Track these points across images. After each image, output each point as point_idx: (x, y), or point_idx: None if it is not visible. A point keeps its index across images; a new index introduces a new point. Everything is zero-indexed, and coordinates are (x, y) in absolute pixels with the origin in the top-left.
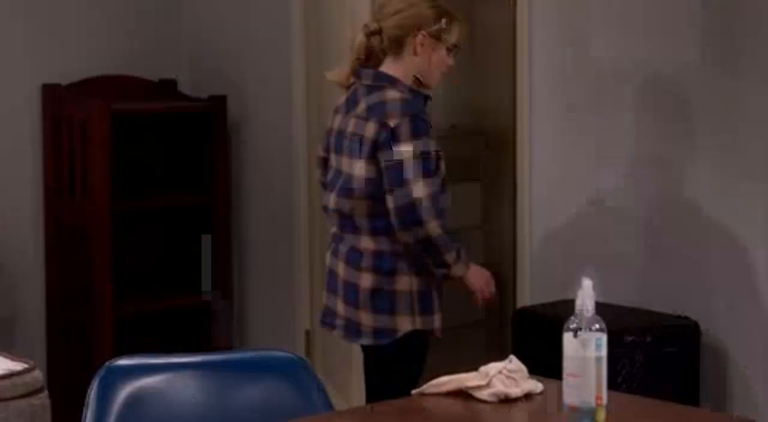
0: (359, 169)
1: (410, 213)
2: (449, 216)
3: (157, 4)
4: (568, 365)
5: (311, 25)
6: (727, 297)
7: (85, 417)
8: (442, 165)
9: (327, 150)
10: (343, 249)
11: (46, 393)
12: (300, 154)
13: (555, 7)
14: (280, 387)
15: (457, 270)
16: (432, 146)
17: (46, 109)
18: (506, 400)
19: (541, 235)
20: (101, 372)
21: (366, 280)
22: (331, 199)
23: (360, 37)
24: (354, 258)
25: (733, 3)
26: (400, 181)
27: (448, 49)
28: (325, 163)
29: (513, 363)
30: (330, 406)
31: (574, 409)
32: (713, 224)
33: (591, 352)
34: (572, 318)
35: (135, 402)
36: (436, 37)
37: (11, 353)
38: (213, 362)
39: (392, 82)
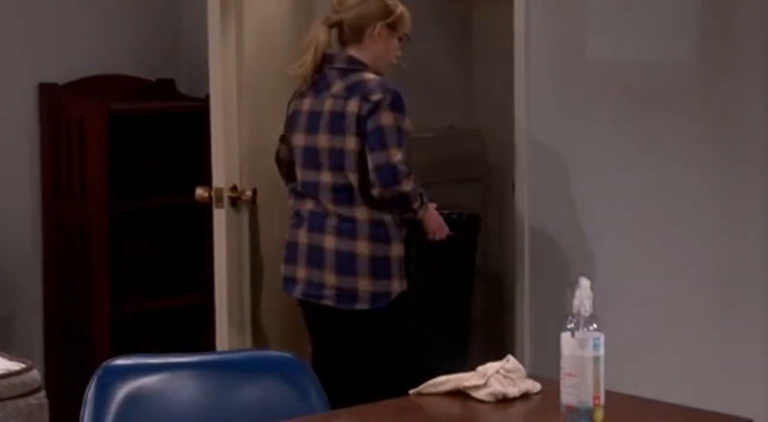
0: (350, 143)
1: (388, 172)
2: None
3: (154, 4)
4: (566, 364)
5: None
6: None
7: (83, 416)
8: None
9: (290, 131)
10: (330, 222)
11: (43, 392)
12: None
13: (552, 6)
14: (278, 387)
15: (421, 213)
16: (407, 126)
17: (43, 109)
18: (504, 400)
19: (539, 235)
20: (99, 371)
21: (363, 248)
22: (322, 176)
23: (322, 29)
24: (347, 229)
25: (732, 2)
26: (380, 145)
27: (399, 39)
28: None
29: (510, 362)
30: (328, 406)
31: (571, 409)
32: (711, 223)
33: (589, 352)
34: (570, 317)
35: (133, 401)
36: (392, 27)
37: (9, 353)
38: (211, 362)
39: (365, 66)
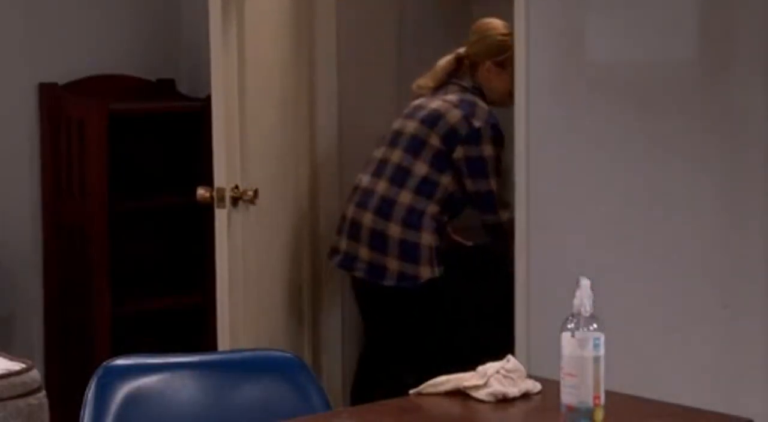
0: (434, 140)
1: (487, 200)
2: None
3: (154, 4)
4: (566, 364)
5: (303, 24)
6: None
7: (83, 416)
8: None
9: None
10: (372, 201)
11: (43, 392)
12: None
13: (553, 6)
14: (278, 387)
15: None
16: (503, 156)
17: (43, 109)
18: (504, 400)
19: (539, 235)
20: (99, 371)
21: (395, 231)
22: (395, 153)
23: (450, 58)
24: (385, 209)
25: (732, 2)
26: (481, 173)
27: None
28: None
29: (511, 362)
30: (328, 406)
31: (571, 409)
32: (711, 223)
33: (589, 352)
34: (570, 317)
35: (133, 401)
36: (501, 65)
37: (9, 353)
38: (211, 362)
39: (479, 95)
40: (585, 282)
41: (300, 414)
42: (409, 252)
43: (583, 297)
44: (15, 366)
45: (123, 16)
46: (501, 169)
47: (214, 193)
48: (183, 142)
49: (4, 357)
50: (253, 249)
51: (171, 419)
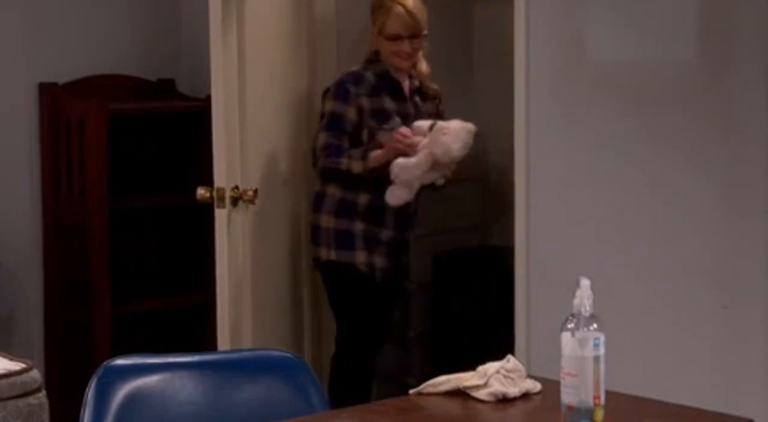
0: None
1: (314, 153)
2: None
3: (154, 4)
4: (566, 364)
5: (303, 23)
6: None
7: (83, 416)
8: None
9: None
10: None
11: (44, 392)
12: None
13: (554, 6)
14: (278, 386)
15: (355, 168)
16: (342, 110)
17: (43, 108)
18: (504, 400)
19: (539, 235)
20: (99, 371)
21: (308, 217)
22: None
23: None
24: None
25: (732, 2)
26: (320, 128)
27: (393, 39)
28: None
29: (511, 362)
30: (328, 406)
31: (571, 409)
32: (712, 223)
33: (589, 352)
34: (570, 317)
35: (133, 401)
36: (379, 32)
37: (9, 352)
38: (211, 362)
39: (376, 61)
40: (585, 282)
41: (300, 414)
42: (313, 235)
43: (583, 297)
44: (15, 366)
45: (123, 16)
46: (341, 122)
47: (214, 193)
48: (183, 142)
49: (4, 356)
50: (252, 249)
51: (171, 419)
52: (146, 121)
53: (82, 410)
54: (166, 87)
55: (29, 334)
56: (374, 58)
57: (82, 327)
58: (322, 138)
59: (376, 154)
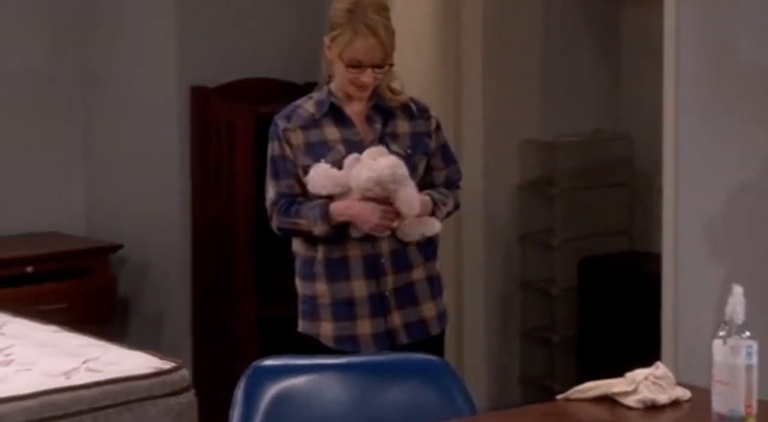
0: None
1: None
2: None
3: (301, 8)
4: (718, 372)
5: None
6: None
7: (233, 415)
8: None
9: None
10: None
11: (192, 391)
12: None
13: (703, 8)
14: (424, 389)
15: (318, 230)
16: (279, 150)
17: (193, 111)
18: (653, 407)
19: (686, 240)
20: (248, 371)
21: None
22: None
23: None
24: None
25: None
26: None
27: (348, 66)
28: None
29: (660, 369)
30: (473, 409)
31: (722, 417)
32: None
33: (741, 360)
34: (722, 325)
35: (281, 401)
36: (339, 57)
37: (158, 351)
38: (357, 364)
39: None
40: (737, 290)
41: (445, 417)
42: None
43: (735, 304)
44: (165, 365)
45: (272, 21)
46: (283, 165)
47: None
48: None
49: (154, 355)
50: None
51: (318, 419)
52: None
53: (231, 409)
54: (312, 90)
55: (178, 333)
56: (328, 82)
57: (228, 326)
58: (270, 190)
59: (338, 208)
